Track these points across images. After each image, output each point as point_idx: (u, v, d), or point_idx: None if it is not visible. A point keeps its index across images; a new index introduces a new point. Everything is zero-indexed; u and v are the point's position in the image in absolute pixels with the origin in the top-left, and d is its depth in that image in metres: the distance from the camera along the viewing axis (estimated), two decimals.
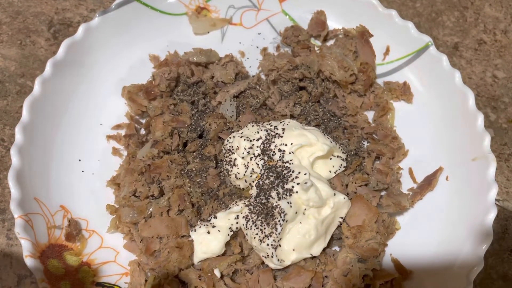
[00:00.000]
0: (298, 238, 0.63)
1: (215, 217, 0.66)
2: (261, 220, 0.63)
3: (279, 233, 0.62)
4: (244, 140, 0.68)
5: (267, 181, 0.66)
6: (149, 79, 0.79)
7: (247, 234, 0.65)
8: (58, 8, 0.91)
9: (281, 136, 0.69)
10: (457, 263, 0.64)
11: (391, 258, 0.69)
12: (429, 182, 0.72)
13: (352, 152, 0.74)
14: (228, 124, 0.75)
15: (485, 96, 0.86)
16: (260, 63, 0.82)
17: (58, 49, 0.72)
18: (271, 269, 0.65)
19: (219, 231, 0.65)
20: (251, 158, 0.68)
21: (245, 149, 0.68)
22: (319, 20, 0.83)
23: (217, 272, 0.64)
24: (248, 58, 0.84)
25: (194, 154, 0.73)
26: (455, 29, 0.92)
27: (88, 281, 0.64)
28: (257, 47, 0.85)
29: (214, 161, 0.72)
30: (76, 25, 0.89)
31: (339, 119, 0.78)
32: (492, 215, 0.63)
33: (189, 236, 0.66)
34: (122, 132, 0.77)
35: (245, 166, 0.68)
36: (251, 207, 0.65)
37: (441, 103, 0.75)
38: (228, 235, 0.65)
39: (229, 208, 0.67)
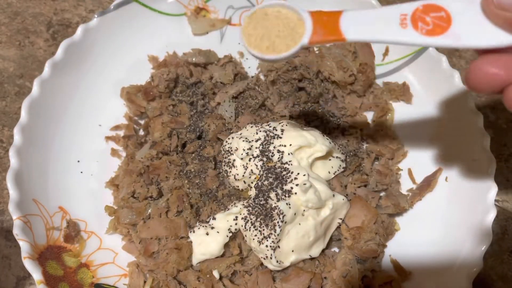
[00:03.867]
0: (297, 239, 0.63)
1: (214, 219, 0.66)
2: (260, 222, 0.63)
3: (278, 235, 0.62)
4: (243, 141, 0.68)
5: (266, 182, 0.66)
6: (148, 80, 0.79)
7: (246, 236, 0.65)
8: (57, 8, 0.91)
9: (280, 137, 0.68)
10: (456, 264, 0.64)
11: (391, 259, 0.69)
12: (428, 183, 0.72)
13: (351, 153, 0.74)
14: (227, 125, 0.75)
15: (484, 96, 0.86)
16: (259, 64, 0.81)
17: (57, 50, 0.72)
18: (270, 270, 0.65)
19: (218, 232, 0.65)
20: (250, 159, 0.68)
21: (244, 150, 0.68)
22: None
23: (216, 274, 0.64)
24: (247, 58, 0.84)
25: (193, 155, 0.73)
26: None
27: (87, 283, 0.64)
28: None
29: (213, 162, 0.72)
30: (75, 26, 0.89)
31: (338, 120, 0.78)
32: (491, 215, 0.63)
33: (188, 237, 0.66)
34: (121, 133, 0.77)
35: (244, 167, 0.68)
36: (250, 208, 0.65)
37: (440, 104, 0.75)
38: (227, 236, 0.65)
39: (228, 209, 0.67)
